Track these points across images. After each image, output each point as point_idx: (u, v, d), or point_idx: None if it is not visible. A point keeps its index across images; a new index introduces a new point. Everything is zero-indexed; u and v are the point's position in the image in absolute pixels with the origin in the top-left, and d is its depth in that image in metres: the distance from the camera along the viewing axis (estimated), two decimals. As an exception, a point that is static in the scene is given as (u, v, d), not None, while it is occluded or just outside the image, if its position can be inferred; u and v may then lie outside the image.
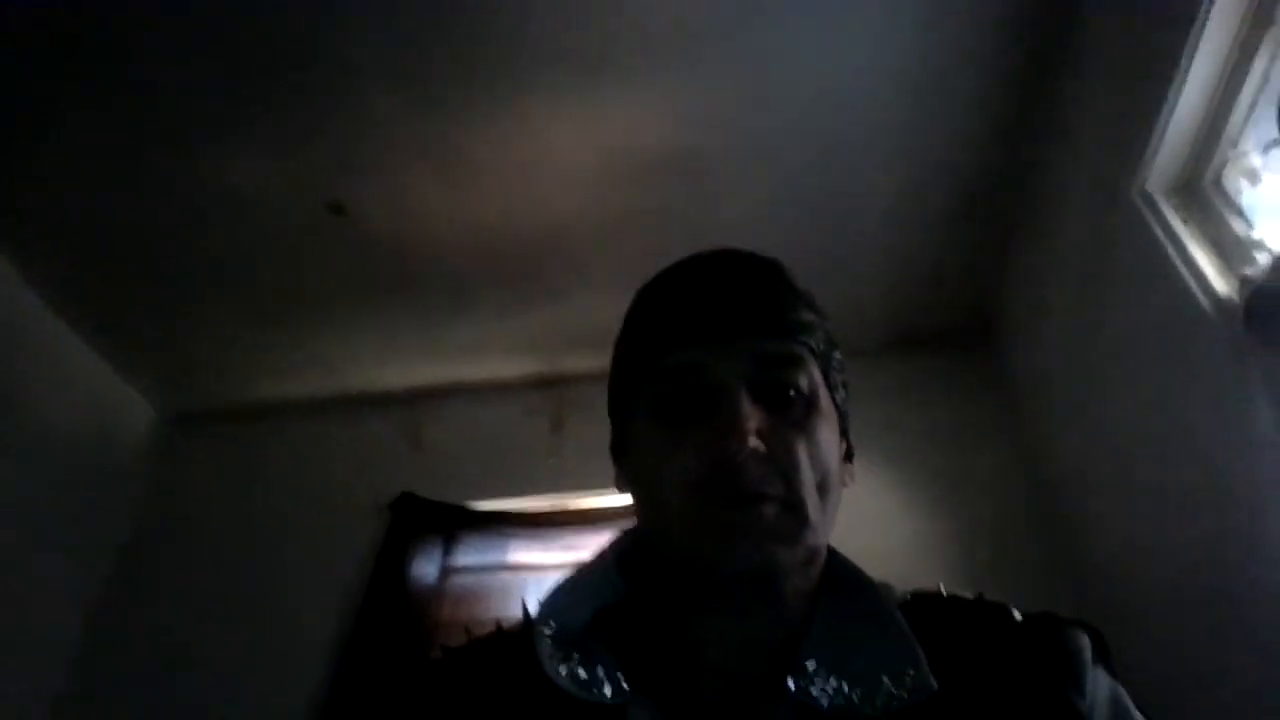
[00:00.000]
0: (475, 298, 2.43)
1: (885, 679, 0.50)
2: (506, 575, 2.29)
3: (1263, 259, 1.21)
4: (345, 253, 2.24)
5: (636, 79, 1.80)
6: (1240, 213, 1.30)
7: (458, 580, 2.29)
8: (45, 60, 1.74)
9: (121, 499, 2.64)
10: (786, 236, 2.10)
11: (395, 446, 2.66)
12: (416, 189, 2.05)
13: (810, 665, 0.52)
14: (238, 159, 1.99)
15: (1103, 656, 0.55)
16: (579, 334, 2.54)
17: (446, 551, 2.35)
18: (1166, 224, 1.39)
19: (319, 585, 2.34)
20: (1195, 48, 1.23)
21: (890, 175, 2.00)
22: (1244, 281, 1.21)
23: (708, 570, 0.53)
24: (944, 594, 0.61)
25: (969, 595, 0.60)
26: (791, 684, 0.51)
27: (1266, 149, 1.23)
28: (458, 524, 2.40)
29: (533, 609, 0.61)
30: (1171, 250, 1.37)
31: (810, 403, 0.56)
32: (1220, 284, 1.28)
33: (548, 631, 0.56)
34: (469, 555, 2.33)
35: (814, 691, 0.51)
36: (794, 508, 0.52)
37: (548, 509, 2.39)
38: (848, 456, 0.63)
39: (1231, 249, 1.29)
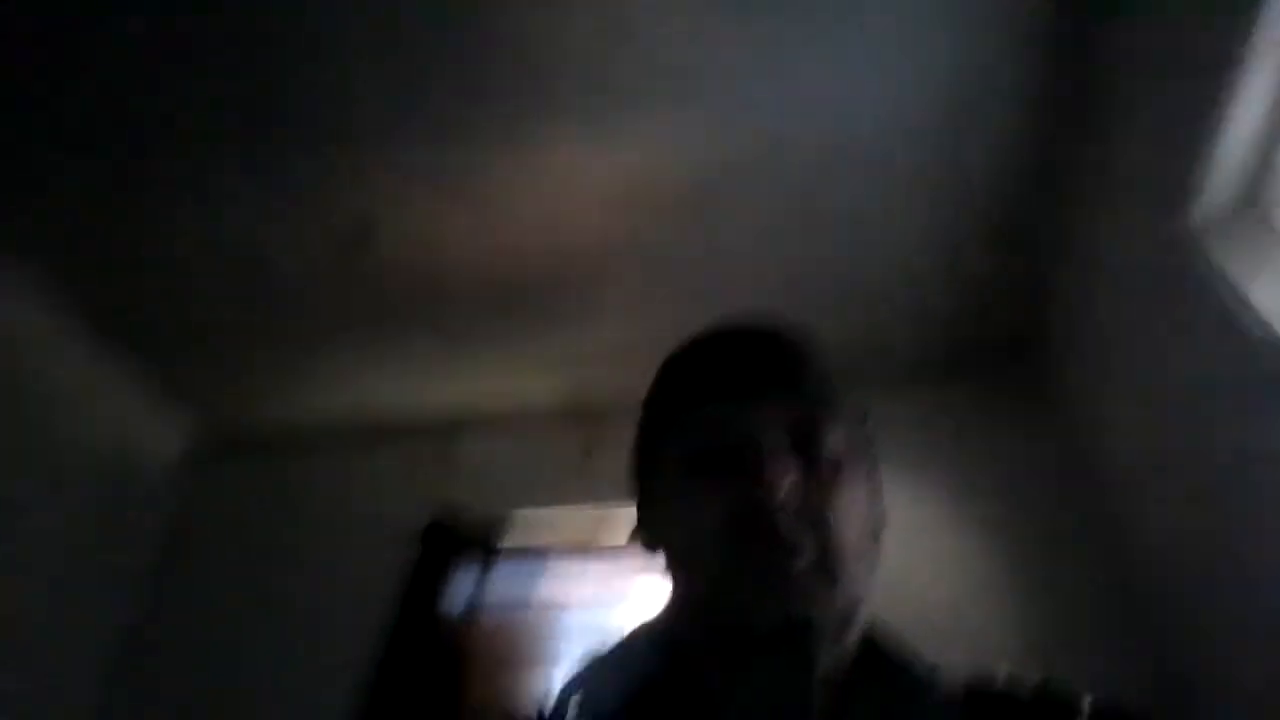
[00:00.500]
0: (498, 325, 2.45)
1: None
2: (541, 611, 2.27)
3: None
4: (372, 283, 2.27)
5: (659, 109, 1.81)
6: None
7: (490, 615, 2.28)
8: (83, 83, 1.77)
9: (151, 526, 2.67)
10: (813, 266, 2.14)
11: (425, 474, 2.67)
12: (439, 216, 2.08)
13: None
14: (266, 193, 2.03)
15: None
16: (602, 357, 2.55)
17: (479, 584, 2.34)
18: (1219, 259, 1.37)
19: (350, 615, 2.33)
20: (1242, 84, 1.23)
21: (922, 200, 1.99)
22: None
23: (738, 627, 0.52)
24: (1002, 683, 0.58)
25: (1032, 685, 0.57)
26: None
27: None
28: (490, 555, 2.39)
29: (558, 692, 0.60)
30: (1227, 288, 1.35)
31: (841, 464, 0.57)
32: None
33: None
34: (502, 588, 2.33)
35: None
36: (826, 566, 0.52)
37: (583, 540, 2.38)
38: (879, 519, 0.63)
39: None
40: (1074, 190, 1.85)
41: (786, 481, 0.52)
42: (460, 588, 2.32)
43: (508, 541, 2.43)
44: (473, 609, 2.29)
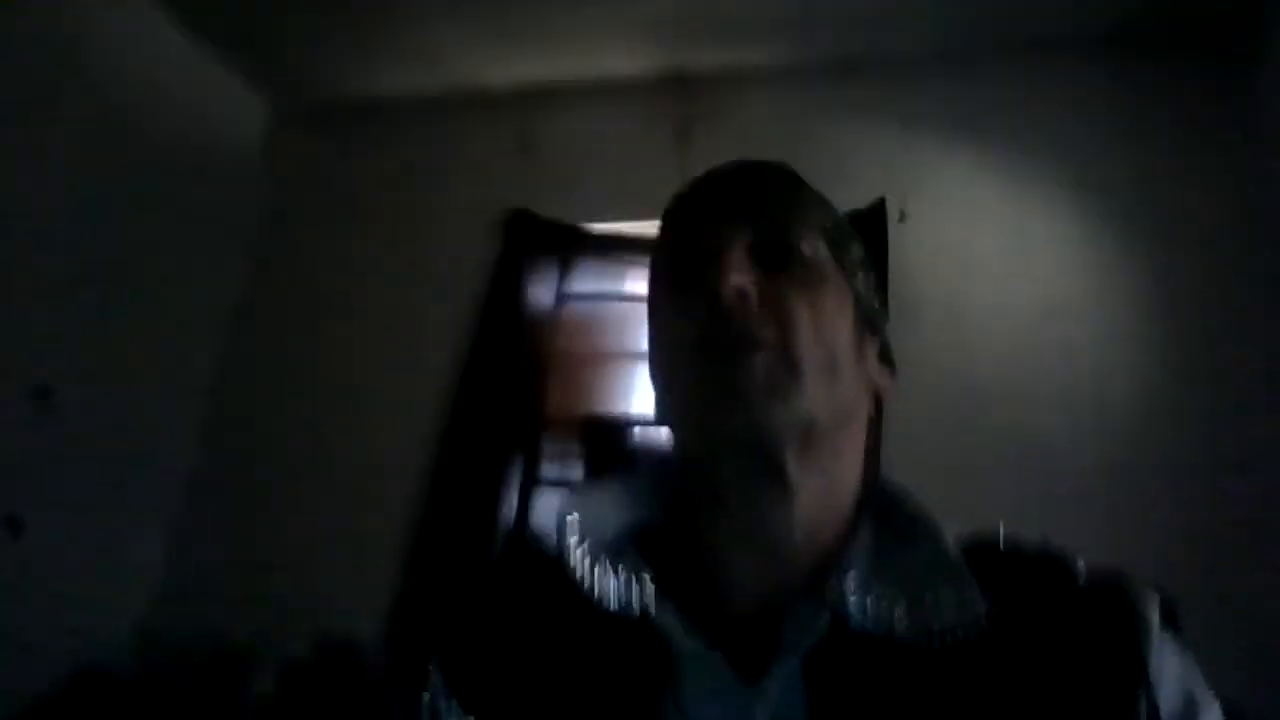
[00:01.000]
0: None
1: (930, 596, 0.49)
2: (625, 305, 2.17)
3: None
4: None
5: None
6: None
7: (575, 307, 2.21)
8: None
9: (242, 196, 2.67)
10: None
11: (506, 153, 2.49)
12: None
13: (845, 583, 0.50)
14: None
15: (1171, 623, 0.51)
16: (708, 22, 2.17)
17: (562, 276, 2.25)
18: None
19: (431, 299, 2.34)
20: None
21: None
22: None
23: (705, 442, 0.53)
24: (1003, 544, 0.55)
25: (1031, 546, 0.55)
26: (829, 589, 0.50)
27: None
28: (574, 246, 2.26)
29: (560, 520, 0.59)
30: None
31: (814, 270, 0.56)
32: None
33: (573, 541, 0.55)
34: (586, 281, 2.23)
35: (850, 606, 0.49)
36: (789, 361, 0.51)
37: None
38: (884, 358, 0.61)
39: None
40: None
41: (747, 280, 0.52)
42: (544, 280, 2.24)
43: (594, 233, 2.27)
44: (557, 302, 2.22)
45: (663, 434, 0.59)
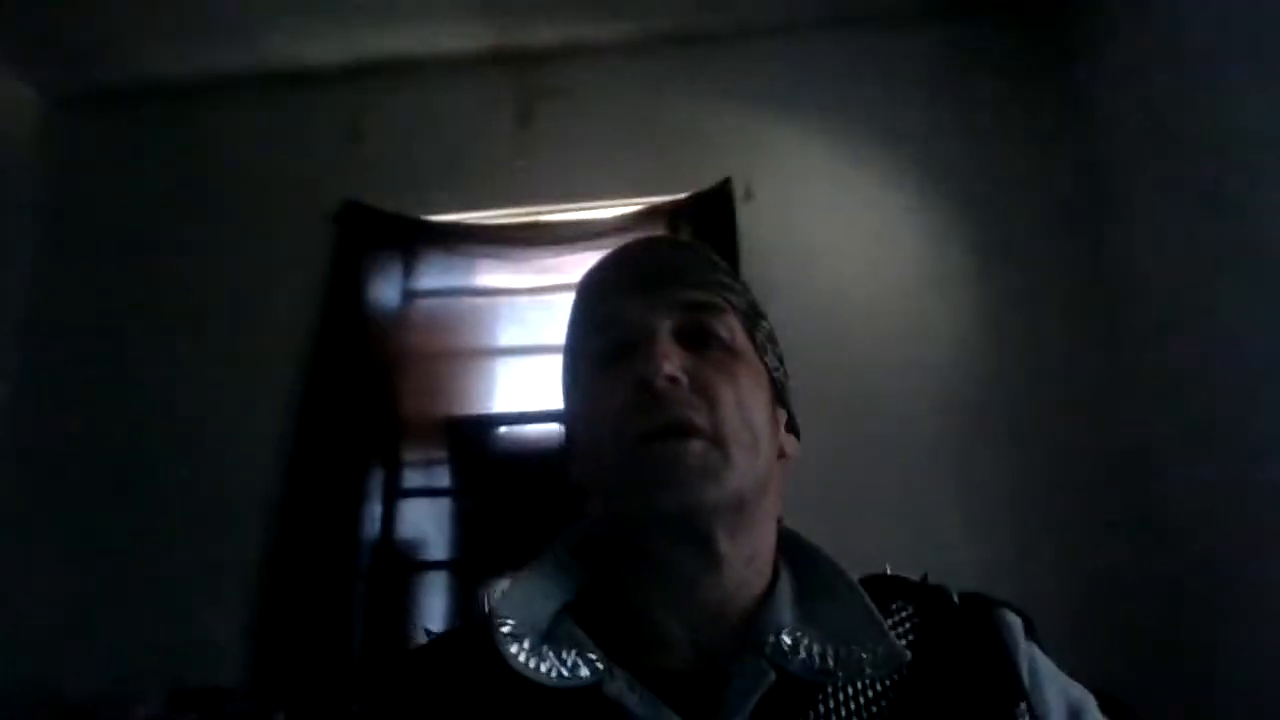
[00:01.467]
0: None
1: (856, 648, 0.53)
2: (476, 300, 2.11)
3: None
4: None
5: None
6: None
7: (422, 304, 2.12)
8: None
9: (25, 197, 2.35)
10: None
11: (333, 137, 2.31)
12: None
13: (781, 637, 0.54)
14: None
15: (1032, 636, 0.59)
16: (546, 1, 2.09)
17: (407, 271, 2.14)
18: None
19: (259, 302, 2.17)
20: None
21: None
22: None
23: (639, 518, 0.56)
24: (889, 574, 0.63)
25: (913, 578, 0.63)
26: (767, 643, 0.53)
27: None
28: (415, 239, 2.16)
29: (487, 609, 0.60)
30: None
31: (732, 350, 0.60)
32: None
33: (506, 629, 0.55)
34: (432, 276, 2.14)
35: (791, 662, 0.53)
36: (720, 443, 0.55)
37: (518, 223, 2.13)
38: (790, 428, 0.65)
39: None
40: None
41: (676, 363, 0.56)
42: (387, 277, 2.12)
43: (436, 223, 2.17)
44: (403, 299, 2.12)
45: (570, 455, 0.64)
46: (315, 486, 1.92)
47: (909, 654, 0.53)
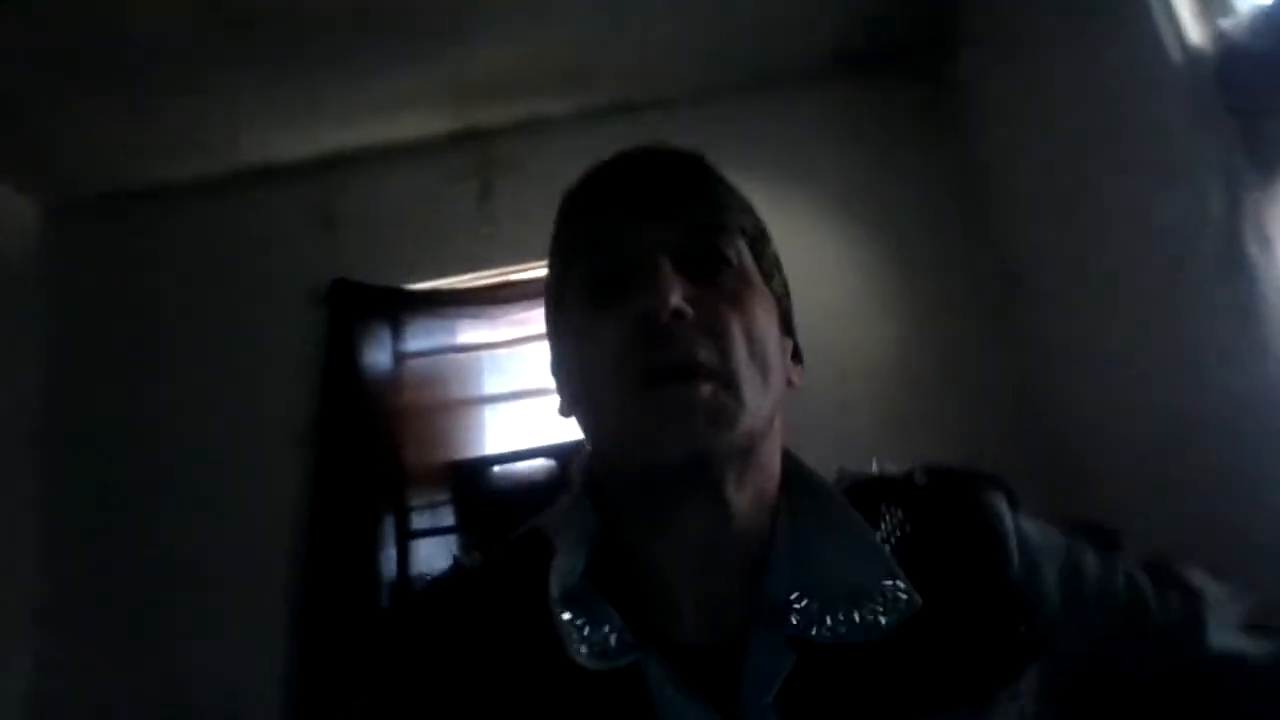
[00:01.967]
0: (372, 46, 2.19)
1: (869, 606, 0.51)
2: (461, 356, 2.36)
3: (1242, 9, 1.13)
4: (224, 22, 1.98)
5: None
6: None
7: (413, 365, 2.36)
8: None
9: (28, 304, 2.54)
10: None
11: (306, 225, 2.55)
12: None
13: (793, 606, 0.52)
14: None
15: (1014, 507, 0.59)
16: (494, 80, 2.39)
17: (395, 337, 2.39)
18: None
19: (256, 384, 2.39)
20: None
21: None
22: (1220, 35, 1.15)
23: (642, 466, 0.53)
24: (876, 474, 0.63)
25: (898, 473, 0.62)
26: (785, 620, 0.52)
27: None
28: (400, 307, 2.41)
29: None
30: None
31: (741, 276, 0.56)
32: (1195, 33, 1.21)
33: (563, 610, 0.52)
34: (418, 339, 2.39)
35: (797, 622, 0.51)
36: (730, 384, 0.51)
37: (489, 284, 2.40)
38: (795, 356, 0.62)
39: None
40: None
41: (680, 294, 0.51)
42: (377, 344, 2.37)
43: (418, 291, 2.42)
44: (395, 362, 2.36)
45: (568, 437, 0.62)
46: (334, 541, 2.13)
47: (920, 601, 0.51)
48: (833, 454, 0.64)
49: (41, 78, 2.14)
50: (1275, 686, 0.55)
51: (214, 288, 2.53)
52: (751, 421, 0.52)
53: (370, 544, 2.15)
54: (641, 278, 0.52)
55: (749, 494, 0.54)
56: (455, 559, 0.63)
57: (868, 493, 0.59)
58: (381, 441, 2.23)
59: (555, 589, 0.52)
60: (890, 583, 0.52)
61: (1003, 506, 0.58)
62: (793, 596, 0.52)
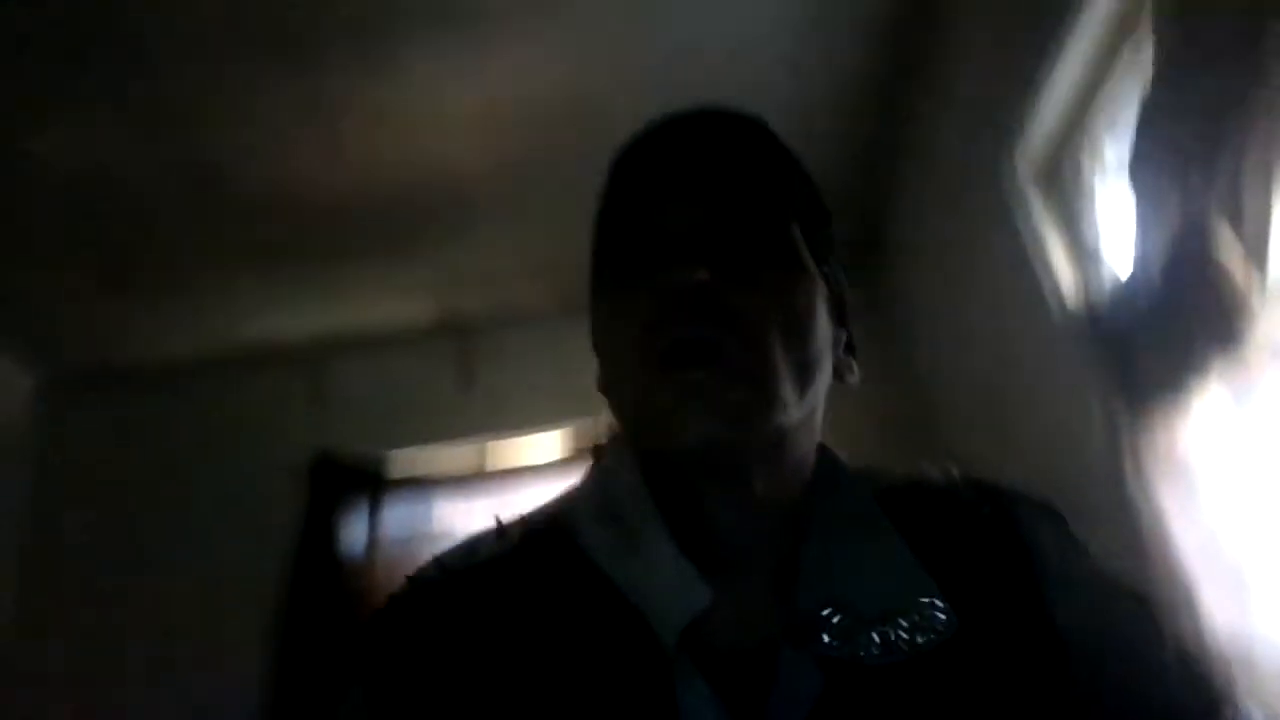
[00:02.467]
0: (366, 247, 2.43)
1: (903, 623, 0.48)
2: (437, 540, 2.43)
3: (1106, 275, 1.35)
4: (222, 214, 2.22)
5: (524, 27, 1.78)
6: (1093, 213, 1.43)
7: (387, 549, 2.44)
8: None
9: (13, 471, 2.64)
10: None
11: (298, 403, 2.71)
12: (294, 146, 2.02)
13: (825, 620, 0.48)
14: (93, 125, 1.90)
15: (1062, 530, 0.56)
16: (480, 276, 2.60)
17: (373, 517, 2.47)
18: (1028, 211, 1.51)
19: (238, 554, 2.43)
20: (1064, 46, 1.31)
21: (777, 117, 2.04)
22: (1090, 292, 1.36)
23: (662, 451, 0.50)
24: (915, 478, 0.58)
25: (939, 480, 0.58)
26: (817, 640, 0.48)
27: (1116, 168, 1.33)
28: (380, 487, 2.51)
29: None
30: (1029, 239, 1.50)
31: (789, 260, 0.51)
32: (1070, 283, 1.43)
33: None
34: (396, 521, 2.47)
35: (829, 640, 0.47)
36: (758, 377, 0.47)
37: (471, 469, 2.52)
38: (849, 349, 0.58)
39: (1084, 250, 1.44)
40: (915, 115, 1.96)
41: (705, 274, 0.47)
42: (354, 525, 2.45)
43: (395, 476, 2.54)
44: (370, 546, 2.43)
45: None
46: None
47: (957, 621, 0.47)
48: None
49: (43, 260, 2.33)
50: None
51: (200, 463, 2.65)
52: (783, 417, 0.48)
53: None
54: (671, 255, 0.48)
55: (779, 479, 0.51)
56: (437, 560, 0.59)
57: (904, 499, 0.55)
58: (353, 622, 2.27)
59: (600, 549, 0.50)
60: (927, 600, 0.48)
61: (1048, 537, 0.54)
62: (825, 612, 0.48)
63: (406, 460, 2.59)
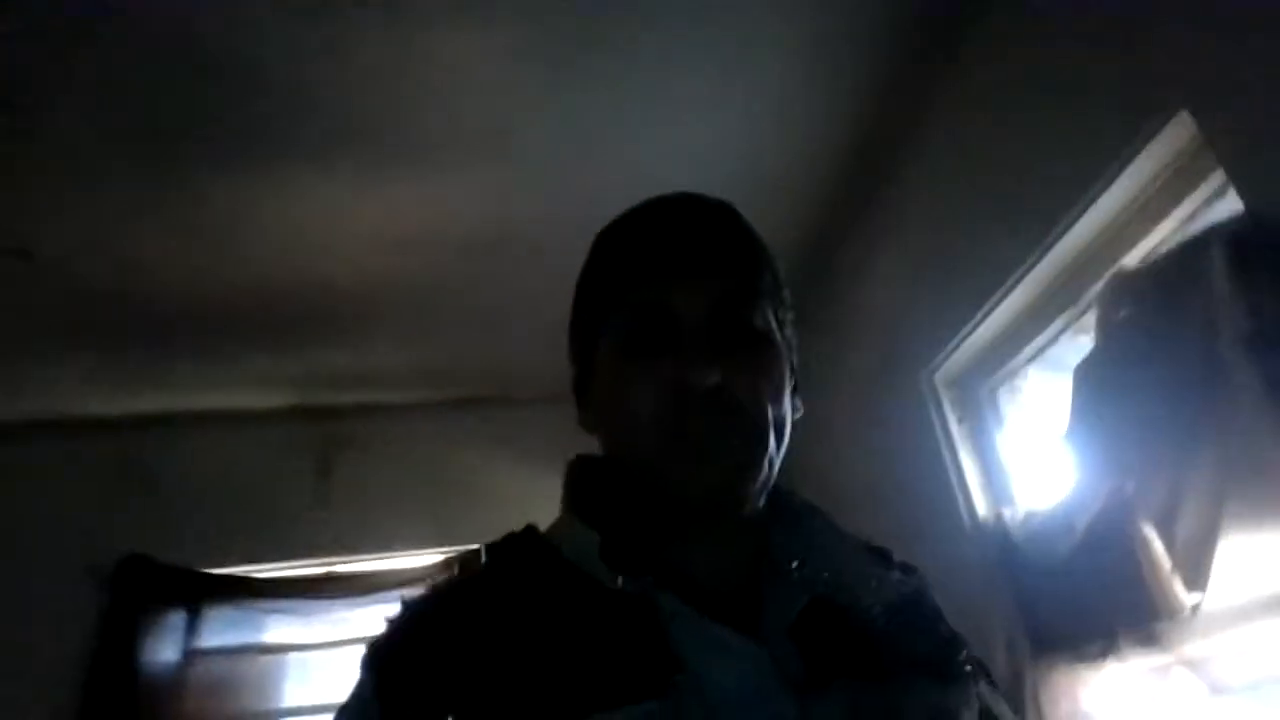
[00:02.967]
0: (219, 340, 2.16)
1: (866, 584, 0.61)
2: (264, 658, 2.16)
3: (1019, 503, 1.38)
4: (39, 295, 1.89)
5: (422, 164, 1.67)
6: (1005, 438, 1.47)
7: (204, 666, 2.13)
8: None
9: None
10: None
11: (115, 488, 2.34)
12: (137, 242, 1.78)
13: (794, 566, 0.61)
14: None
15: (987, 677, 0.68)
16: (348, 375, 2.41)
17: (190, 628, 2.16)
18: (945, 420, 1.54)
19: (21, 667, 2.05)
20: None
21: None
22: (998, 517, 1.39)
23: (675, 499, 0.59)
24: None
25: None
26: (792, 570, 0.60)
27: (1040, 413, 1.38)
28: (202, 594, 2.20)
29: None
30: (945, 448, 1.52)
31: (767, 341, 0.62)
32: (981, 503, 1.45)
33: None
34: (217, 634, 2.17)
35: (800, 580, 0.60)
36: (754, 442, 0.58)
37: (311, 575, 2.27)
38: (795, 388, 0.67)
39: (994, 472, 1.47)
40: (825, 331, 1.99)
41: (713, 369, 0.56)
42: (166, 635, 2.13)
43: (225, 576, 2.24)
44: (184, 659, 2.12)
45: None
46: None
47: (913, 584, 0.63)
48: None
49: None
50: None
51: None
52: (769, 473, 0.60)
53: None
54: (679, 342, 0.58)
55: (757, 508, 0.62)
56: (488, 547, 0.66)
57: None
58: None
59: (573, 552, 0.59)
60: (881, 570, 0.63)
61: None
62: (794, 564, 0.60)
63: (238, 561, 2.28)
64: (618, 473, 0.63)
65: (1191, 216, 1.11)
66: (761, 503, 0.62)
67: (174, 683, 2.08)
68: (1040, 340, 1.39)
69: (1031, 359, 1.44)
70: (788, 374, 0.63)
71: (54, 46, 1.31)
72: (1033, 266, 1.30)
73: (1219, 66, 0.97)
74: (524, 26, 1.38)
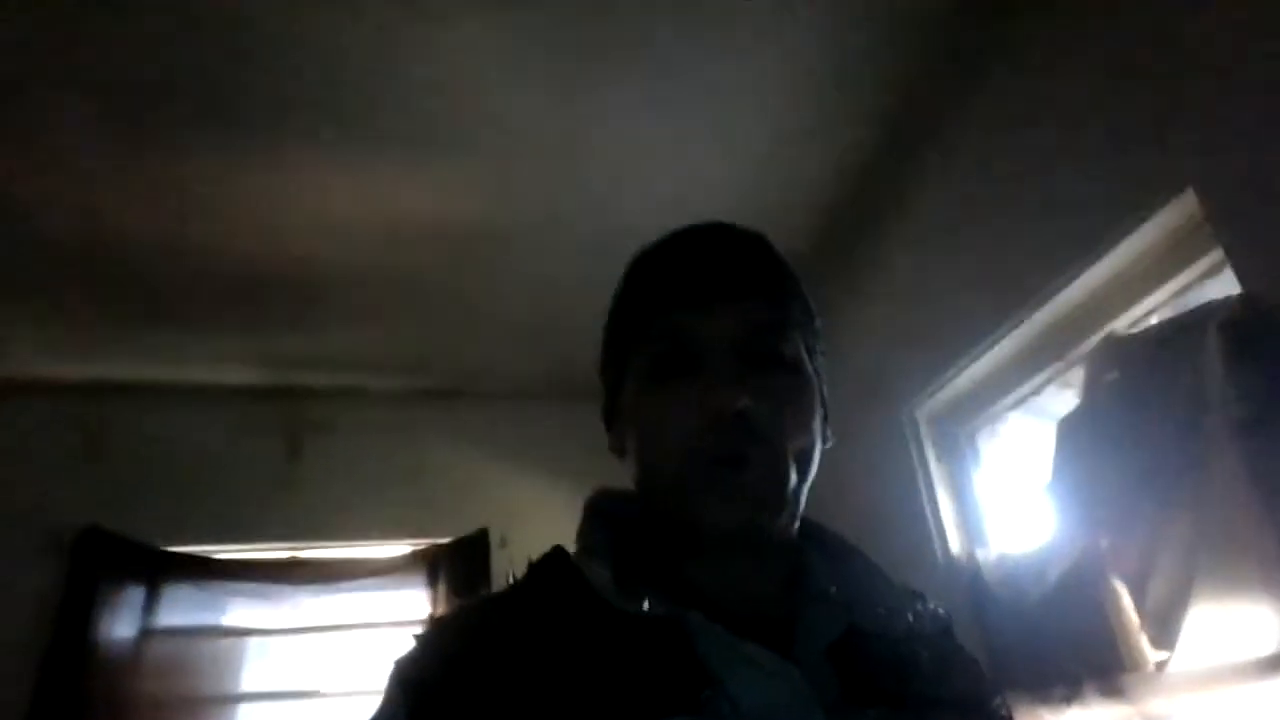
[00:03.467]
0: (190, 308, 2.10)
1: (918, 614, 0.62)
2: (223, 641, 2.14)
3: (992, 545, 1.43)
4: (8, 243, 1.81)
5: (414, 151, 1.67)
6: (983, 479, 1.52)
7: (161, 645, 2.10)
8: None
9: None
10: (564, 319, 2.08)
11: (70, 455, 2.28)
12: (106, 196, 1.71)
13: (831, 591, 0.61)
14: None
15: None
16: (323, 358, 2.38)
17: (147, 606, 2.12)
18: (925, 457, 1.58)
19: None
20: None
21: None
22: (971, 557, 1.43)
23: (699, 529, 0.58)
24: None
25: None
26: (829, 593, 0.61)
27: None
28: (162, 571, 2.16)
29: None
30: (923, 484, 1.57)
31: (796, 369, 0.62)
32: (955, 541, 1.50)
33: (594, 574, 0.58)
34: (175, 613, 2.14)
35: (859, 615, 0.60)
36: (778, 475, 0.58)
37: (277, 559, 2.24)
38: (825, 419, 0.68)
39: (969, 512, 1.52)
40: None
41: (744, 396, 0.56)
42: (125, 612, 2.09)
43: (187, 554, 2.20)
44: (140, 637, 2.08)
45: None
46: None
47: (945, 618, 0.64)
48: None
49: None
50: None
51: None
52: (796, 504, 0.60)
53: None
54: (711, 370, 0.58)
55: (783, 543, 0.62)
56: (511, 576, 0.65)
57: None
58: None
59: (596, 581, 0.58)
60: (915, 604, 0.63)
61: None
62: (833, 589, 0.61)
63: (200, 540, 2.24)
64: (633, 507, 0.64)
65: (1184, 290, 1.16)
66: (793, 530, 0.62)
67: (130, 659, 2.05)
68: (1024, 389, 1.44)
69: (1014, 406, 1.49)
70: (817, 403, 0.63)
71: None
72: (1022, 321, 1.35)
73: (1230, 149, 1.01)
74: (525, 17, 1.37)
